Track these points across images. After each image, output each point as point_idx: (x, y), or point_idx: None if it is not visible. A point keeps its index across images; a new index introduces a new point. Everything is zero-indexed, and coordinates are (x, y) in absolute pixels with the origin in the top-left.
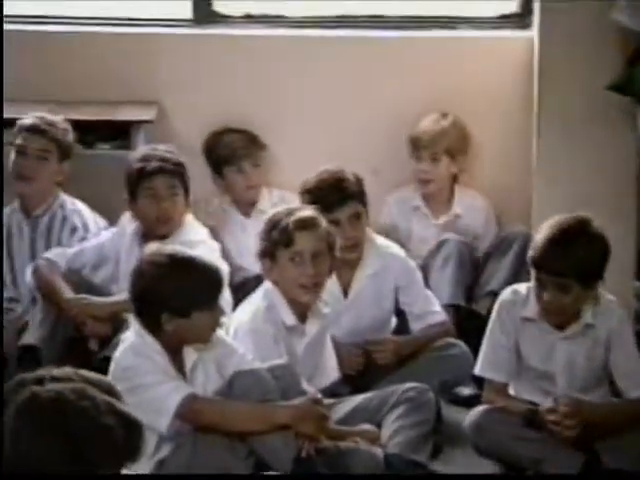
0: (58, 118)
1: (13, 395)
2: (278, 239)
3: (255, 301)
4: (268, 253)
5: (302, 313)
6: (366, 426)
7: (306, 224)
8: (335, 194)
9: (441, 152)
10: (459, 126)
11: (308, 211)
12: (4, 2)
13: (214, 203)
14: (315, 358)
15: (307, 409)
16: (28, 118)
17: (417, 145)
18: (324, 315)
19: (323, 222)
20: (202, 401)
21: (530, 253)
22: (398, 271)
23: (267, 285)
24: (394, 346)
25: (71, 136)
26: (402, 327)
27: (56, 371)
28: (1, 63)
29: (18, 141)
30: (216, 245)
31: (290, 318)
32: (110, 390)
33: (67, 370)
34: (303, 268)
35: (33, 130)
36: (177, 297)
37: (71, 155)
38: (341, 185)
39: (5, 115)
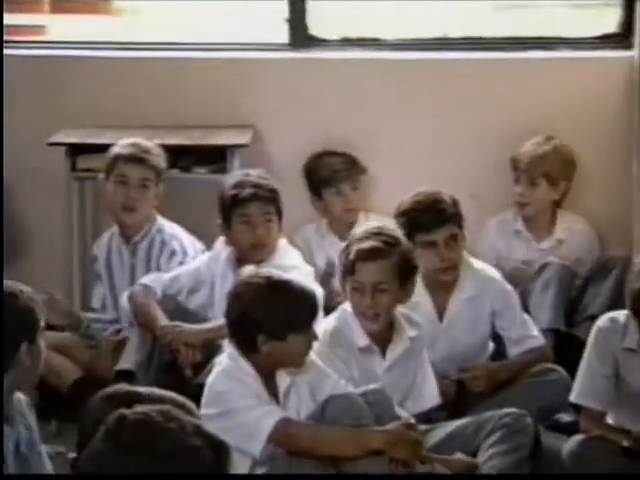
0: (152, 144)
1: (99, 415)
2: (343, 266)
3: (325, 323)
4: (339, 277)
5: (379, 336)
6: (462, 455)
7: (368, 255)
8: (432, 215)
9: (539, 176)
10: (562, 151)
11: (372, 241)
12: None
13: (310, 228)
14: (404, 382)
15: (401, 434)
16: (123, 147)
17: (516, 167)
18: (410, 338)
19: (392, 251)
20: (295, 425)
21: (628, 291)
22: (495, 295)
23: (344, 305)
24: (488, 372)
25: (164, 160)
26: (499, 352)
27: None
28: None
29: (118, 171)
30: (310, 269)
31: (362, 339)
32: (192, 412)
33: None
34: (363, 298)
35: (133, 159)
36: (274, 319)
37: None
38: (438, 206)
39: (102, 141)
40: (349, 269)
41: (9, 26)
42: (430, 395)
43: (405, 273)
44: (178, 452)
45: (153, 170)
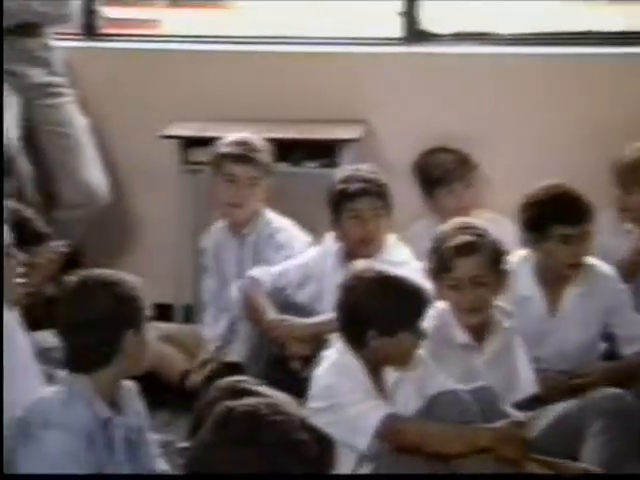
0: (259, 140)
1: (209, 406)
2: (438, 264)
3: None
4: (431, 276)
5: (476, 330)
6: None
7: (464, 250)
8: (574, 209)
9: (634, 183)
10: None
11: (465, 236)
12: None
13: (420, 224)
14: (502, 374)
15: (509, 432)
16: (230, 145)
17: (615, 171)
18: (505, 330)
19: (484, 244)
20: (402, 421)
21: None
22: (609, 292)
23: (439, 304)
24: (604, 376)
25: (271, 156)
26: (611, 352)
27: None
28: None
29: (225, 170)
30: (419, 265)
31: (462, 336)
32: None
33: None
34: (463, 294)
35: (240, 159)
36: (386, 315)
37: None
38: (579, 201)
39: (213, 134)
40: (444, 267)
41: (124, 20)
42: (527, 383)
43: (498, 264)
44: (284, 445)
45: (261, 168)
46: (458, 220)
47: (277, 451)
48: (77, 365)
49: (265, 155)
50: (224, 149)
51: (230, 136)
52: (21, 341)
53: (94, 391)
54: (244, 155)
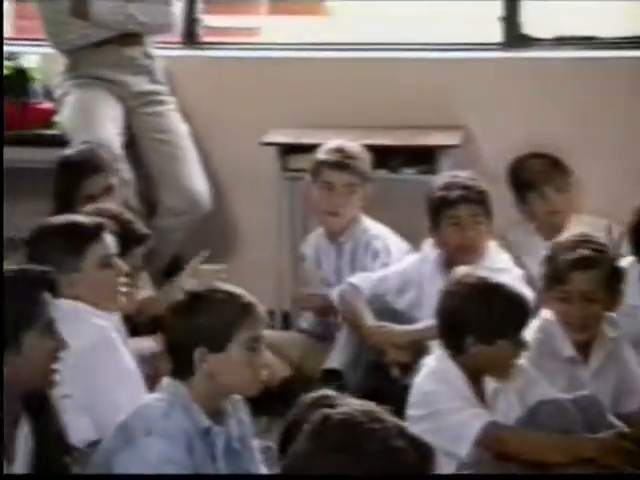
0: (357, 148)
1: (305, 415)
2: (551, 274)
3: (527, 334)
4: (543, 284)
5: (583, 343)
6: None
7: (580, 264)
8: None
9: None
10: None
11: (583, 250)
12: None
13: (518, 231)
14: (608, 385)
15: (613, 443)
16: (328, 152)
17: None
18: (612, 340)
19: (602, 260)
20: (503, 429)
21: None
22: None
23: (545, 314)
24: None
25: (370, 163)
26: None
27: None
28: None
29: (323, 177)
30: (519, 272)
31: (568, 350)
32: None
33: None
34: (571, 308)
35: (338, 166)
36: (485, 322)
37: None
38: None
39: (313, 141)
40: (558, 278)
41: (224, 28)
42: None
43: (614, 282)
44: (382, 453)
45: (358, 175)
46: (578, 232)
47: (374, 459)
48: (175, 373)
49: (363, 162)
50: (322, 156)
51: (329, 143)
52: (123, 348)
53: (192, 399)
54: (341, 162)
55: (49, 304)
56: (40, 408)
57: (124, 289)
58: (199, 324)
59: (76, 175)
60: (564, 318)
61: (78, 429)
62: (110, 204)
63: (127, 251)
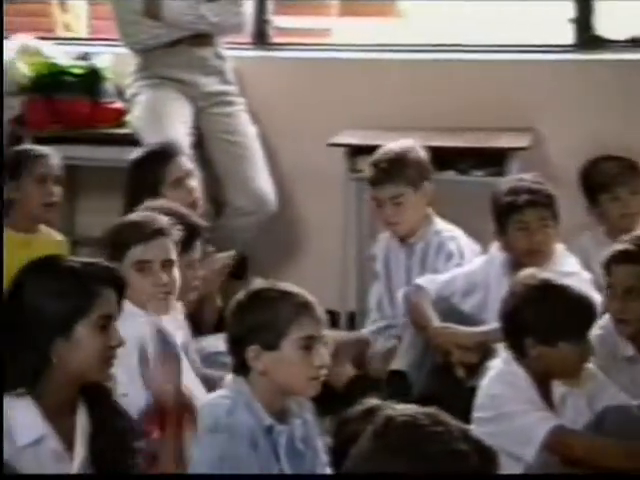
0: (401, 152)
1: (361, 422)
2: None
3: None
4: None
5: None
6: None
7: (621, 258)
8: None
9: None
10: None
11: (627, 244)
12: None
13: (586, 235)
14: None
15: None
16: (369, 168)
17: None
18: None
19: None
20: (571, 434)
21: None
22: None
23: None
24: None
25: (423, 161)
26: None
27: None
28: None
29: (371, 193)
30: (588, 276)
31: (628, 349)
32: None
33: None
34: (614, 302)
35: (378, 182)
36: (543, 322)
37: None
38: None
39: (380, 142)
40: (606, 273)
41: (294, 29)
42: None
43: None
44: (444, 455)
45: (404, 183)
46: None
47: (436, 461)
48: (236, 370)
49: (409, 167)
50: (366, 173)
51: (375, 154)
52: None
53: (254, 397)
54: (380, 177)
55: (108, 300)
56: (97, 399)
57: (161, 296)
58: (253, 322)
59: (158, 162)
60: (610, 314)
61: None
62: (164, 201)
63: (187, 246)
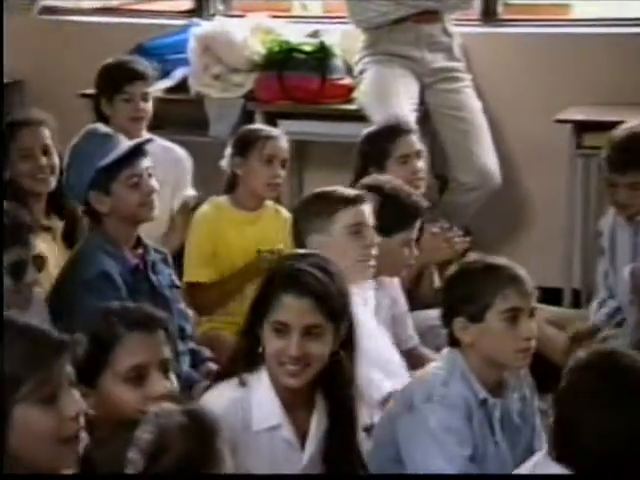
0: None
1: None
2: None
3: None
4: None
5: None
6: None
7: None
8: None
9: None
10: None
11: None
12: None
13: None
14: None
15: None
16: (611, 147)
17: None
18: None
19: None
20: None
21: None
22: None
23: None
24: None
25: None
26: None
27: None
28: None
29: (606, 177)
30: None
31: None
32: None
33: None
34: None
35: (617, 169)
36: None
37: None
38: None
39: (608, 119)
40: None
41: (529, 6)
42: None
43: None
44: None
45: None
46: None
47: None
48: (450, 344)
49: None
50: (604, 152)
51: (621, 132)
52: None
53: (469, 369)
54: (625, 162)
55: None
56: (339, 400)
57: (372, 262)
58: (459, 295)
59: (388, 136)
60: None
61: None
62: (389, 177)
63: (405, 224)
